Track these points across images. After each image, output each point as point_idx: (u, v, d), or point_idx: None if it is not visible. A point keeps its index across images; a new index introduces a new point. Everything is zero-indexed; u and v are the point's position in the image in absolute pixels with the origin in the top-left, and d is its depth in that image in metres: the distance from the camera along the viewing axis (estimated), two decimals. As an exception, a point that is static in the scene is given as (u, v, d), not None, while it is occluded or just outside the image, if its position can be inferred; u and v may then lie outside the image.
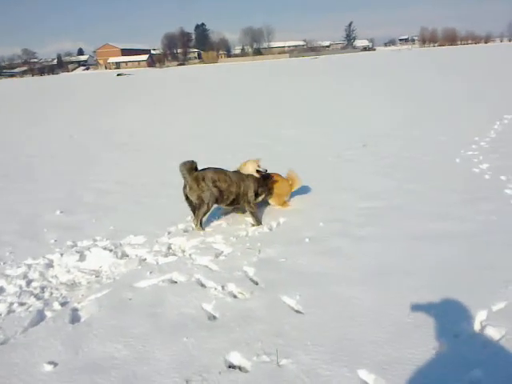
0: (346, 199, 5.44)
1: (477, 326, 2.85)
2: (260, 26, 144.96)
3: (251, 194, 4.89)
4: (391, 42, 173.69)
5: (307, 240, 4.30)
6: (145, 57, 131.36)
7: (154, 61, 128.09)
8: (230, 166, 5.16)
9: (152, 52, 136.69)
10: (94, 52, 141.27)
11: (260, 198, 5.06)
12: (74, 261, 4.21)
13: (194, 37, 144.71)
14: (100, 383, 2.57)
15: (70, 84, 52.93)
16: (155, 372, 2.63)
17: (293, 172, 5.40)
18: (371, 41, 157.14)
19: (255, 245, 4.29)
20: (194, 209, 4.80)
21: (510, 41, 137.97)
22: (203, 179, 4.66)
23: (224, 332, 2.96)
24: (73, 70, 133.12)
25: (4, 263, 4.21)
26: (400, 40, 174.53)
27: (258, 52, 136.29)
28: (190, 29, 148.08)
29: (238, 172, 5.01)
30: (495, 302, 3.06)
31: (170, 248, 4.43)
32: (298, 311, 3.16)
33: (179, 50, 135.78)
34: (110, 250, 4.36)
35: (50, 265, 4.16)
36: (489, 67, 29.25)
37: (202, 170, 4.80)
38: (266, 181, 5.06)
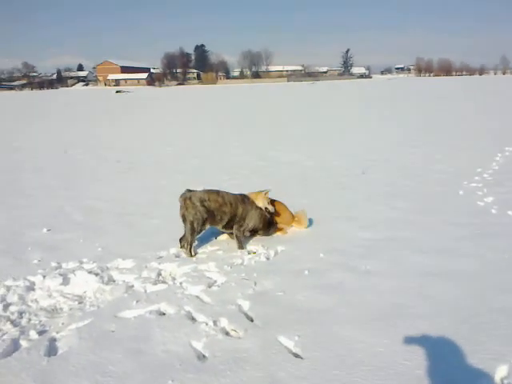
0: (347, 228, 5.21)
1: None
2: (259, 50, 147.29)
3: (251, 225, 4.79)
4: (387, 70, 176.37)
5: (307, 272, 4.04)
6: (144, 75, 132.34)
7: (153, 79, 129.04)
8: (224, 187, 4.98)
9: (152, 71, 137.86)
10: (94, 68, 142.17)
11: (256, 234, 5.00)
12: (57, 284, 3.99)
13: (193, 57, 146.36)
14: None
15: (69, 99, 53.09)
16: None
17: (303, 212, 5.22)
18: (368, 68, 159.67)
19: (251, 275, 4.03)
20: None
21: (503, 73, 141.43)
22: (190, 198, 4.53)
23: (213, 375, 2.69)
24: (72, 85, 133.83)
25: (-19, 283, 3.93)
26: (396, 69, 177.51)
27: (256, 75, 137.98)
28: (190, 49, 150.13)
29: (239, 194, 4.87)
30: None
31: (159, 274, 4.20)
32: (296, 355, 2.87)
33: (179, 70, 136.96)
34: (96, 274, 4.15)
35: (30, 287, 3.93)
36: (487, 98, 29.61)
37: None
38: (270, 216, 4.97)
